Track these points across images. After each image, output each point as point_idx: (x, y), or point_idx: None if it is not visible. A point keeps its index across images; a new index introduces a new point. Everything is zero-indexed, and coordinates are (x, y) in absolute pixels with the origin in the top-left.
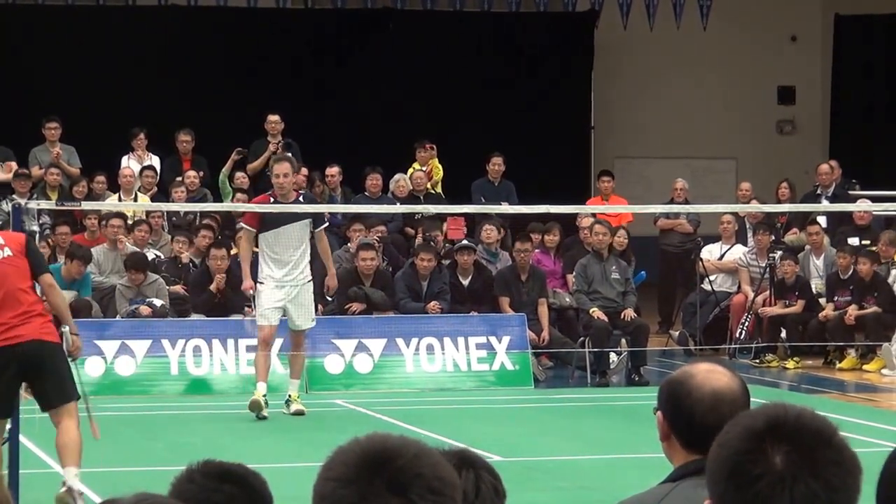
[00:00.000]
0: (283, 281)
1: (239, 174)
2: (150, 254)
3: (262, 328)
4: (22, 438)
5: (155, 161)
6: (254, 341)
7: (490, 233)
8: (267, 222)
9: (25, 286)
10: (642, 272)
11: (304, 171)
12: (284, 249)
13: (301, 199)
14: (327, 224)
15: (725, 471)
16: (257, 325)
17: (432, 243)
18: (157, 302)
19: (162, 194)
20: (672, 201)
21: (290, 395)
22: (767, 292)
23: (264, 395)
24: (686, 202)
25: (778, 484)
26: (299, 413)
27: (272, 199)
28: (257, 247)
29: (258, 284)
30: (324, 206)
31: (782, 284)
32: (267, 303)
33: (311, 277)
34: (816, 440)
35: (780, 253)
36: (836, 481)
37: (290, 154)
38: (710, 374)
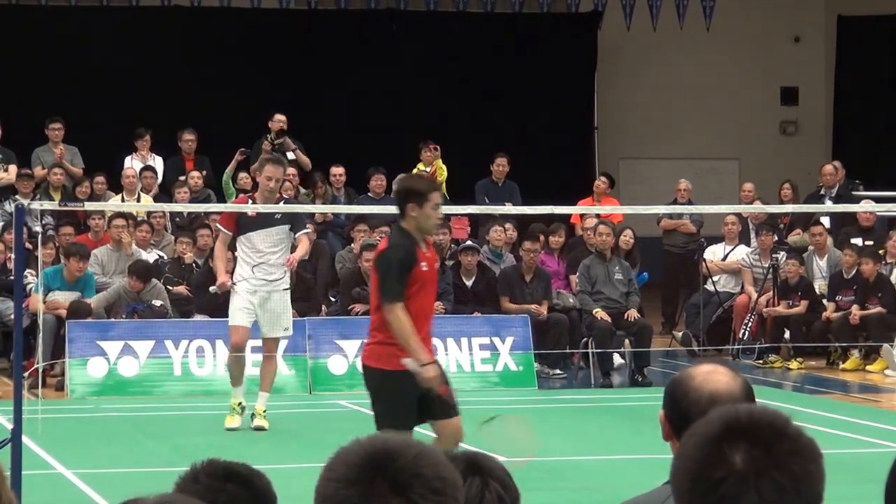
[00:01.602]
0: (255, 285)
1: (242, 175)
2: (153, 255)
3: (234, 330)
4: (25, 439)
5: (157, 161)
6: (258, 342)
7: (499, 234)
8: (243, 225)
9: (372, 305)
10: (645, 273)
11: (292, 170)
12: (260, 253)
13: (281, 203)
14: (309, 230)
15: (688, 482)
16: (228, 327)
17: (438, 244)
18: (157, 302)
19: (165, 194)
20: (675, 202)
21: (255, 409)
22: (770, 293)
23: (240, 403)
24: (689, 203)
25: (742, 483)
26: (260, 429)
27: (251, 202)
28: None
29: (232, 286)
30: (327, 206)
31: (786, 285)
32: (238, 304)
33: (288, 285)
34: (772, 433)
35: (783, 254)
36: (797, 470)
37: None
38: (710, 376)
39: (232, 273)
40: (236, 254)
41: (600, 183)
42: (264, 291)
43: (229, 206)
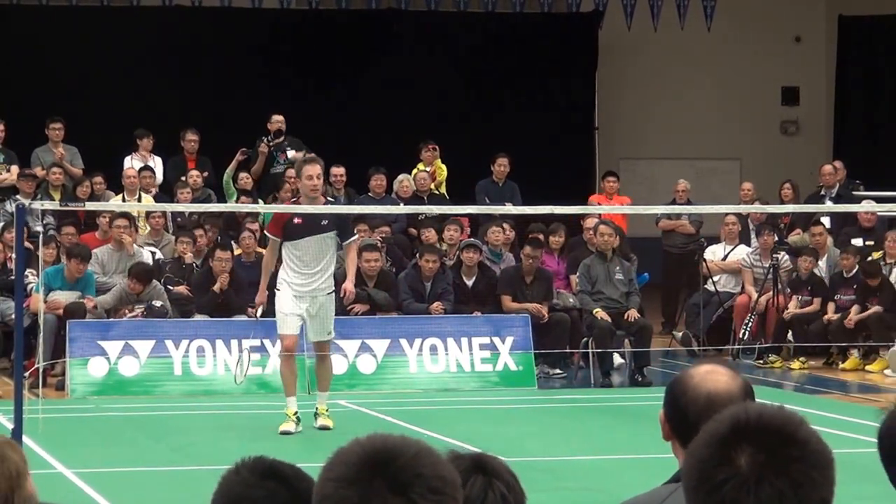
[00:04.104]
0: (301, 291)
1: (243, 175)
2: (146, 251)
3: (284, 337)
4: (25, 439)
5: (157, 162)
6: (257, 342)
7: (497, 235)
8: (290, 233)
9: None
10: (645, 274)
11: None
12: (307, 261)
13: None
14: (356, 237)
15: (694, 480)
16: (279, 335)
17: (440, 244)
18: (157, 302)
19: (166, 194)
20: (674, 202)
21: (317, 408)
22: (771, 293)
23: (296, 413)
24: (689, 203)
25: (742, 487)
26: (325, 428)
27: (293, 213)
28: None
29: (275, 291)
30: (327, 206)
31: (798, 280)
32: (286, 309)
33: (333, 289)
34: (779, 438)
35: (783, 253)
36: (800, 477)
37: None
38: (709, 375)
39: (276, 272)
40: (283, 257)
41: (611, 183)
42: (310, 297)
43: (229, 206)
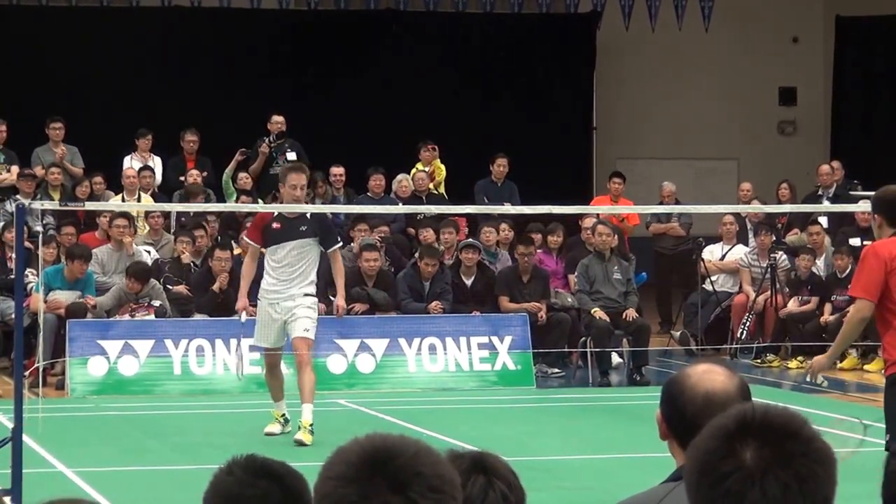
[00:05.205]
0: (276, 297)
1: (242, 175)
2: (145, 250)
3: (266, 353)
4: (25, 438)
5: (157, 162)
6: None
7: (490, 235)
8: (269, 239)
9: None
10: (643, 273)
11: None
12: (284, 266)
13: (308, 215)
14: (341, 244)
15: (697, 472)
16: (262, 350)
17: (438, 244)
18: (156, 302)
19: (165, 194)
20: (661, 205)
21: (301, 422)
22: (769, 292)
23: (283, 414)
24: (677, 203)
25: (748, 479)
26: (301, 443)
27: (274, 215)
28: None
29: (257, 301)
30: (327, 206)
31: (797, 279)
32: (266, 323)
33: (314, 297)
34: (784, 433)
35: (781, 253)
36: (804, 471)
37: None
38: (706, 375)
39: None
40: (264, 267)
41: (617, 185)
42: (286, 301)
43: (228, 206)
